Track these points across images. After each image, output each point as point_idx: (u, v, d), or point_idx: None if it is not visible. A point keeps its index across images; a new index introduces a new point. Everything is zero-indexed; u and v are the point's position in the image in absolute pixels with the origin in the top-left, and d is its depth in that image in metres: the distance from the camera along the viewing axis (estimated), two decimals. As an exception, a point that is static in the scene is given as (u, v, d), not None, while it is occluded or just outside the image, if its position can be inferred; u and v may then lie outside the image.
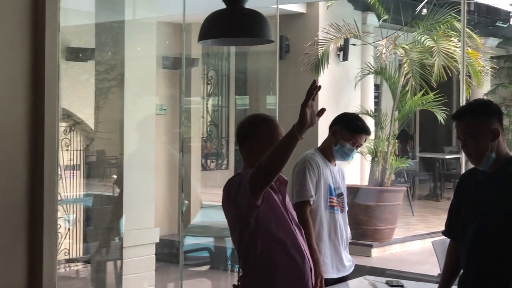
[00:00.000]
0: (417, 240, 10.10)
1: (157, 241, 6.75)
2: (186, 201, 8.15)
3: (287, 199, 3.45)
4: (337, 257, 4.40)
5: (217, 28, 3.57)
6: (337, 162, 4.53)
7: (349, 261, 4.50)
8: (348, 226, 4.55)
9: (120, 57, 6.69)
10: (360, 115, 10.26)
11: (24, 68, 3.55)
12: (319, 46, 9.82)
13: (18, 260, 3.50)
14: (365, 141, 4.57)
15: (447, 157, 14.43)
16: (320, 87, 2.98)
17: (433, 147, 16.56)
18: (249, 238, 3.27)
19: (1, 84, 3.45)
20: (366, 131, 4.43)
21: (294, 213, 3.48)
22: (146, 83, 6.87)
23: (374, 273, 6.48)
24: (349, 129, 4.37)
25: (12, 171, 3.49)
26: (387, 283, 4.37)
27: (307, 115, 2.95)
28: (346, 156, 4.44)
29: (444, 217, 3.67)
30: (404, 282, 4.41)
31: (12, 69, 3.51)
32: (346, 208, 4.53)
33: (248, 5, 3.69)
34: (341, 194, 4.46)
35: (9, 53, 3.50)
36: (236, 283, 3.48)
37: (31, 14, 3.55)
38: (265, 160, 3.07)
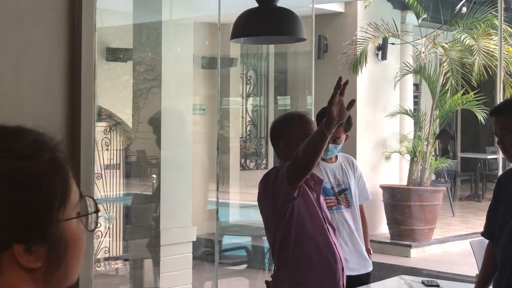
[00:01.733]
0: (457, 241, 10.00)
1: (194, 239, 6.80)
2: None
3: (322, 198, 3.47)
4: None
5: (248, 26, 3.58)
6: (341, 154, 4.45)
7: (364, 260, 4.43)
8: (361, 220, 4.46)
9: (158, 58, 6.74)
10: (399, 114, 10.28)
11: (61, 67, 3.58)
12: (357, 45, 9.78)
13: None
14: (346, 131, 4.33)
15: (489, 157, 14.24)
16: (347, 81, 3.01)
17: (475, 147, 16.38)
18: (283, 231, 3.31)
19: (39, 83, 3.50)
20: None
21: (328, 213, 3.51)
22: (183, 83, 6.91)
23: (411, 273, 6.43)
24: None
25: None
26: (422, 282, 4.35)
27: (333, 113, 3.00)
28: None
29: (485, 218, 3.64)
30: (440, 282, 4.38)
31: (49, 69, 3.55)
32: (355, 202, 4.42)
33: (285, 4, 3.69)
34: (343, 190, 4.36)
35: (46, 53, 3.54)
36: (269, 279, 3.51)
37: (68, 14, 3.60)
38: (300, 152, 3.14)
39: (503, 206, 3.42)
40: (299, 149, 3.15)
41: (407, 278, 4.70)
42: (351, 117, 4.19)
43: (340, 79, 3.01)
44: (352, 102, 3.05)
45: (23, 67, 3.37)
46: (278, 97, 12.16)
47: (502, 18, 5.43)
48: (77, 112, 3.58)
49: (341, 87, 2.99)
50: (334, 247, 3.37)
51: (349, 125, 4.33)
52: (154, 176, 7.69)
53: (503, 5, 5.44)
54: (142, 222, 6.99)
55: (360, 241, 4.41)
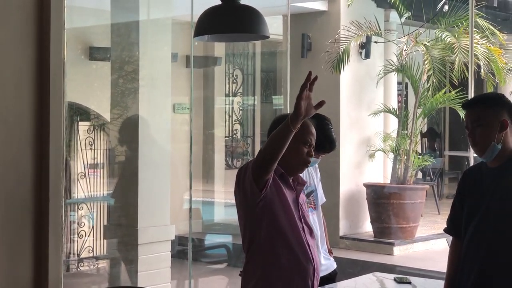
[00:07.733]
0: (441, 239, 10.00)
1: (173, 238, 6.81)
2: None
3: (302, 199, 3.45)
4: None
5: (211, 24, 3.57)
6: None
7: (327, 260, 4.43)
8: (323, 222, 4.47)
9: (136, 57, 6.75)
10: (382, 113, 10.30)
11: (30, 66, 3.58)
12: (340, 44, 9.78)
13: (24, 256, 3.52)
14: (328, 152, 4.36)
15: (476, 155, 14.23)
16: (316, 77, 2.98)
17: (463, 146, 16.42)
18: (254, 225, 3.29)
19: (7, 82, 3.49)
20: None
21: (307, 213, 3.50)
22: (162, 83, 6.92)
23: (387, 271, 6.45)
24: None
25: (18, 167, 3.52)
26: (394, 279, 4.37)
27: (301, 108, 2.97)
28: None
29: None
30: (412, 278, 4.40)
31: (18, 67, 3.55)
32: (319, 203, 4.44)
33: (261, 3, 3.69)
34: (311, 192, 4.37)
35: (14, 51, 3.53)
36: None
37: (36, 12, 3.59)
38: (264, 147, 3.14)
39: (468, 202, 3.44)
40: (263, 146, 3.15)
41: (379, 275, 4.71)
42: (336, 142, 4.25)
43: (310, 73, 2.99)
44: (322, 103, 3.03)
45: (-10, 66, 3.37)
46: (273, 97, 12.17)
47: (473, 14, 5.46)
48: (46, 111, 3.57)
49: (310, 80, 2.97)
50: (307, 247, 3.35)
51: (333, 149, 4.33)
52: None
53: (473, 3, 5.47)
54: (114, 220, 7.00)
55: (324, 242, 4.44)
